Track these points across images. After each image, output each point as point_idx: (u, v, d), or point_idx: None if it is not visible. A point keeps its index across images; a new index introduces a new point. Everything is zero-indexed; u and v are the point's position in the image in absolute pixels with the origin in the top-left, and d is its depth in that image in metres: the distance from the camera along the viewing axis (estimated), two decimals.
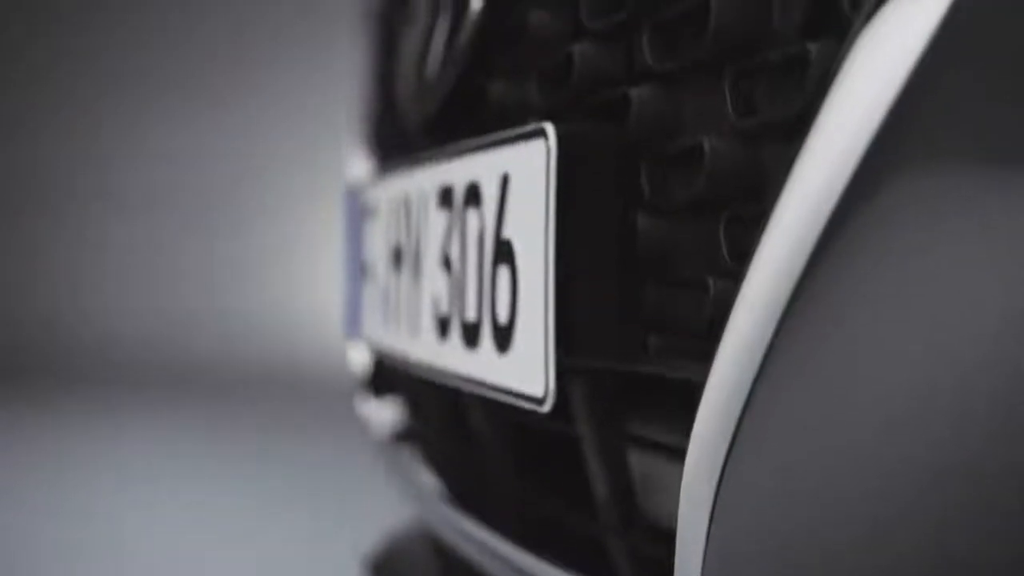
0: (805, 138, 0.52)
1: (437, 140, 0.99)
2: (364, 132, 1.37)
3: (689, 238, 0.67)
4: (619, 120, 0.70)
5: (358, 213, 1.23)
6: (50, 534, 2.78)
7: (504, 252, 0.76)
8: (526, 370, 0.73)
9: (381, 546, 1.46)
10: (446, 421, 1.07)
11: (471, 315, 0.82)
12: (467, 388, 0.83)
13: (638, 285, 0.70)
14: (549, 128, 0.70)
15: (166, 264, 6.40)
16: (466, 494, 1.06)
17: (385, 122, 1.28)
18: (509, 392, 0.75)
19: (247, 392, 5.14)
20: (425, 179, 0.94)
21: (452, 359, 0.86)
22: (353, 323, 1.25)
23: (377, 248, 1.12)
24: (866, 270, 0.49)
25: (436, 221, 0.91)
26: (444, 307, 0.88)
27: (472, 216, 0.82)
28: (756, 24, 0.60)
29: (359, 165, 1.36)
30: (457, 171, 0.86)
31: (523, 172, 0.73)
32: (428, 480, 1.15)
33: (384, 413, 1.37)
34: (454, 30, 0.93)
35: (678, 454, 0.62)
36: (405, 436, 1.31)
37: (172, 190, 6.46)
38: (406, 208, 1.00)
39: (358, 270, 1.22)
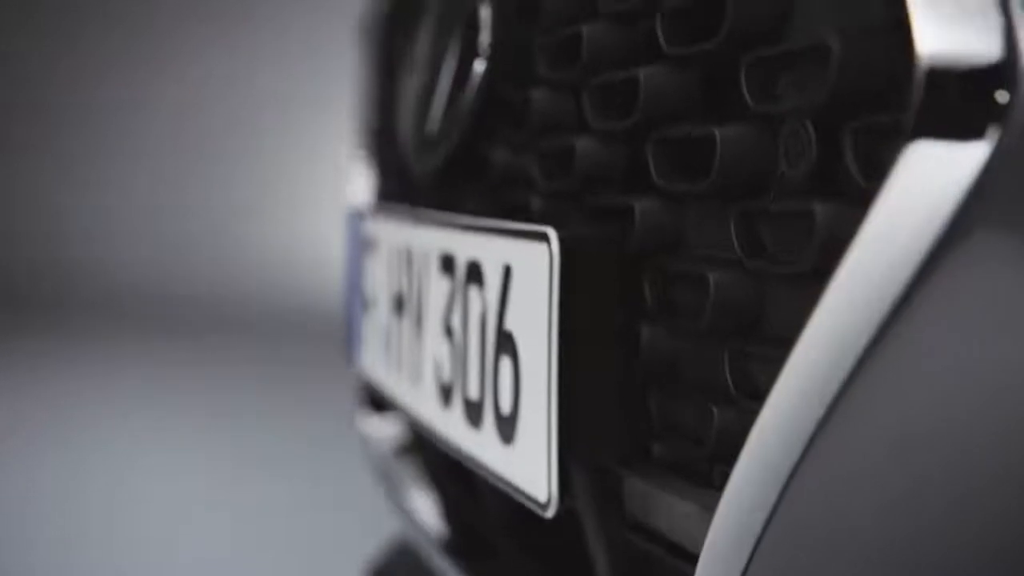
0: (818, 286, 0.52)
1: (439, 195, 0.99)
2: (365, 151, 1.36)
3: (693, 360, 0.67)
4: (622, 225, 0.70)
5: (359, 236, 1.23)
6: (46, 470, 2.80)
7: (506, 343, 0.76)
8: (530, 468, 0.73)
9: (382, 553, 1.48)
10: (445, 469, 1.08)
11: (473, 393, 0.83)
12: (470, 466, 0.84)
13: (641, 393, 0.70)
14: (551, 233, 0.70)
15: (168, 202, 6.39)
16: (458, 542, 1.07)
17: (387, 149, 1.27)
18: (513, 487, 0.75)
19: (247, 329, 5.16)
20: (427, 238, 0.94)
21: (455, 432, 0.87)
22: (354, 349, 1.26)
23: (378, 284, 1.12)
24: (889, 420, 0.49)
25: (438, 285, 0.91)
26: (446, 375, 0.89)
27: (474, 295, 0.82)
28: (762, 167, 0.59)
29: (361, 185, 1.36)
30: (459, 244, 0.85)
31: (525, 270, 0.73)
32: (420, 507, 1.16)
33: (384, 429, 1.37)
34: (456, 88, 0.92)
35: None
36: (404, 452, 1.32)
37: (175, 127, 6.44)
38: (408, 260, 0.99)
39: (358, 296, 1.22)
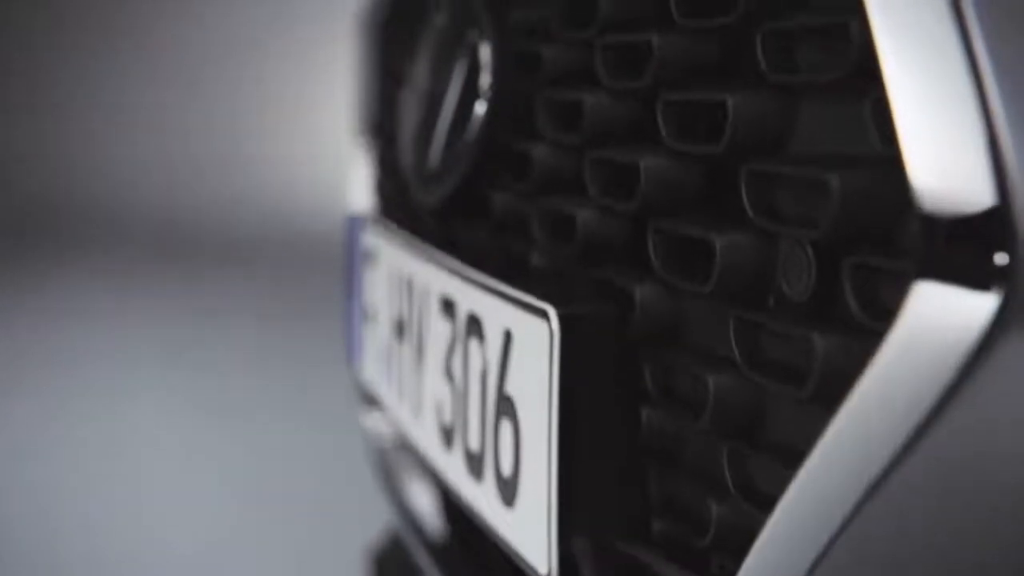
0: (819, 407, 0.53)
1: (439, 229, 0.99)
2: (365, 141, 1.35)
3: (692, 450, 0.68)
4: (623, 304, 0.70)
5: (358, 243, 1.23)
6: (43, 406, 2.84)
7: (506, 406, 0.77)
8: (530, 537, 0.74)
9: (385, 539, 1.50)
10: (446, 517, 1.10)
11: (474, 445, 0.84)
12: (472, 517, 0.85)
13: (642, 472, 0.71)
14: (552, 312, 0.70)
15: (169, 121, 6.37)
16: (451, 539, 1.09)
17: (387, 146, 1.27)
18: (514, 552, 0.77)
19: (249, 254, 5.17)
20: (428, 275, 0.94)
21: (456, 476, 0.88)
22: (354, 349, 1.27)
23: (379, 299, 1.12)
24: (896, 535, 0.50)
25: (438, 326, 0.91)
26: (447, 417, 0.90)
27: (474, 348, 0.83)
28: (762, 279, 0.60)
29: (361, 184, 1.35)
30: (460, 292, 0.86)
31: (525, 341, 0.74)
32: (415, 502, 1.18)
33: (383, 425, 1.39)
34: (457, 128, 0.92)
35: None
36: (402, 448, 1.33)
37: (176, 52, 6.39)
38: (408, 290, 1.00)
39: (358, 301, 1.23)
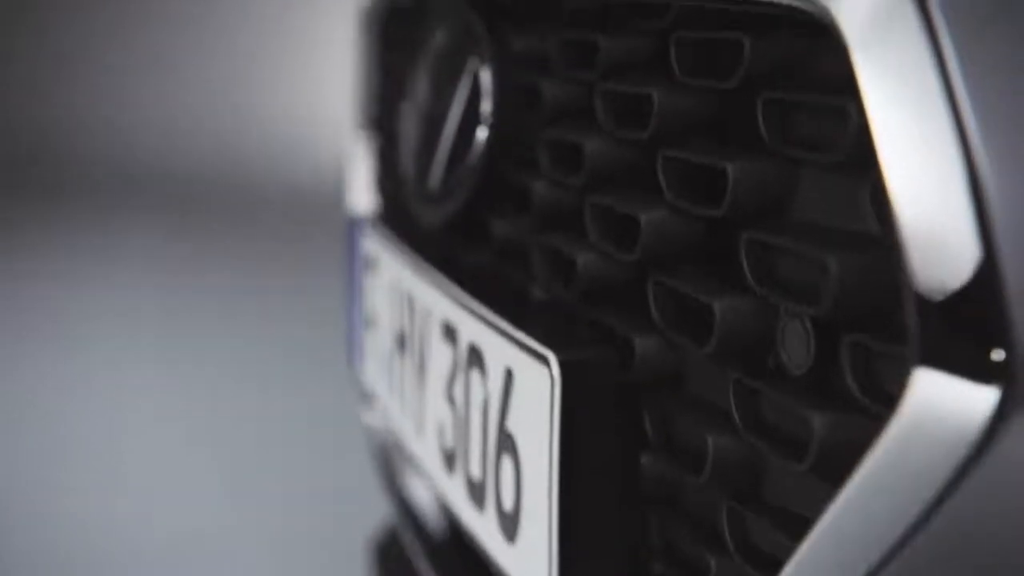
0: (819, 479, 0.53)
1: (440, 248, 0.99)
2: (367, 148, 1.35)
3: (692, 503, 0.68)
4: (624, 350, 0.71)
5: (359, 247, 1.23)
6: (41, 358, 2.85)
7: (507, 442, 0.78)
8: (531, 573, 0.75)
9: (387, 529, 1.52)
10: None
11: (476, 474, 0.85)
12: (474, 546, 0.86)
13: (642, 515, 0.72)
14: (552, 358, 0.71)
15: (170, 73, 6.33)
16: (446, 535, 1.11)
17: (388, 154, 1.26)
18: None
19: (248, 203, 5.17)
20: (429, 297, 0.94)
21: (458, 503, 0.89)
22: (355, 350, 1.27)
23: (380, 308, 1.13)
24: None
25: (440, 350, 0.92)
26: (449, 441, 0.90)
27: (476, 379, 0.84)
28: (761, 346, 0.60)
29: (362, 187, 1.35)
30: (461, 321, 0.86)
31: (526, 383, 0.74)
32: (414, 504, 1.20)
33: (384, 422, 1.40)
34: (458, 151, 0.92)
35: None
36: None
37: None
38: (410, 307, 1.00)
39: (358, 306, 1.23)
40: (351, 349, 1.30)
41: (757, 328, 0.60)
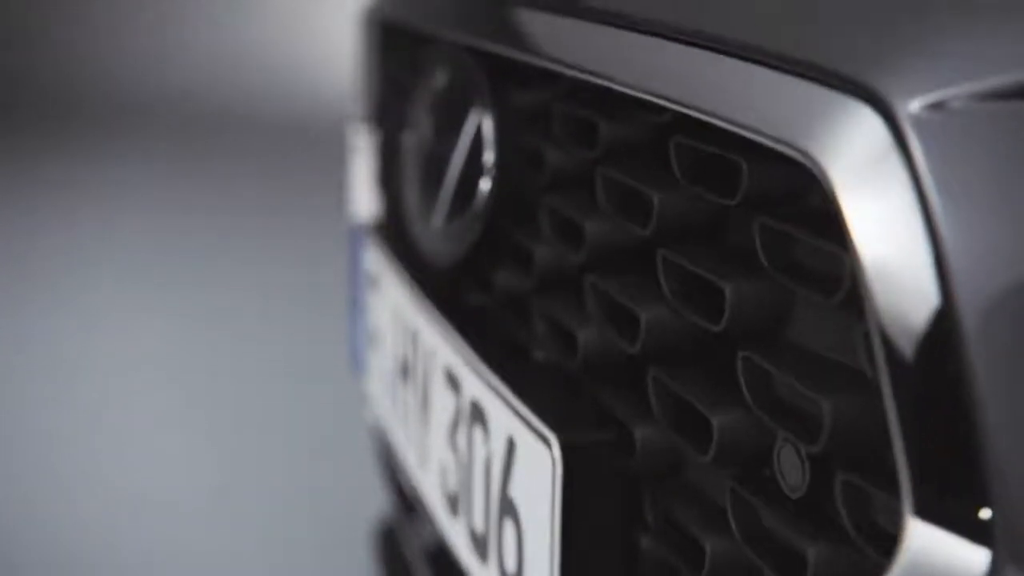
0: None
1: (445, 282, 1.00)
2: (368, 142, 1.35)
3: None
4: (624, 434, 0.72)
5: (362, 258, 1.24)
6: (40, 295, 2.87)
7: (509, 507, 0.80)
8: None
9: (389, 519, 1.55)
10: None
11: (479, 527, 0.86)
12: None
13: None
14: (554, 440, 0.72)
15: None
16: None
17: (388, 152, 1.26)
18: None
19: (248, 132, 5.15)
20: (432, 339, 0.95)
21: (461, 548, 0.91)
22: (359, 358, 1.29)
23: (383, 326, 1.14)
24: None
25: (443, 395, 0.93)
26: (452, 485, 0.92)
27: (478, 437, 0.85)
28: (758, 464, 0.61)
29: (364, 192, 1.35)
30: (464, 374, 0.87)
31: (528, 457, 0.76)
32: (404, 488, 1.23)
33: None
34: (460, 199, 0.92)
35: None
36: None
37: None
38: (413, 341, 1.01)
39: (361, 316, 1.25)
40: (354, 355, 1.32)
41: (755, 443, 0.61)
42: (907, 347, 0.49)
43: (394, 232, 1.19)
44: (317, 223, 3.63)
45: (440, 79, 0.98)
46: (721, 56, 0.58)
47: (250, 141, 5.10)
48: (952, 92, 0.47)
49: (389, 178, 1.30)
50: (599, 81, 0.67)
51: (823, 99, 0.52)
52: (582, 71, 0.69)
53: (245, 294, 2.96)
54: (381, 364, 1.16)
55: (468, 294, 0.97)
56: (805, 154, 0.51)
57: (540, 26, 0.76)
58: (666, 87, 0.62)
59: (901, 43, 0.50)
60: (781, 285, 0.60)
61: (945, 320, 0.48)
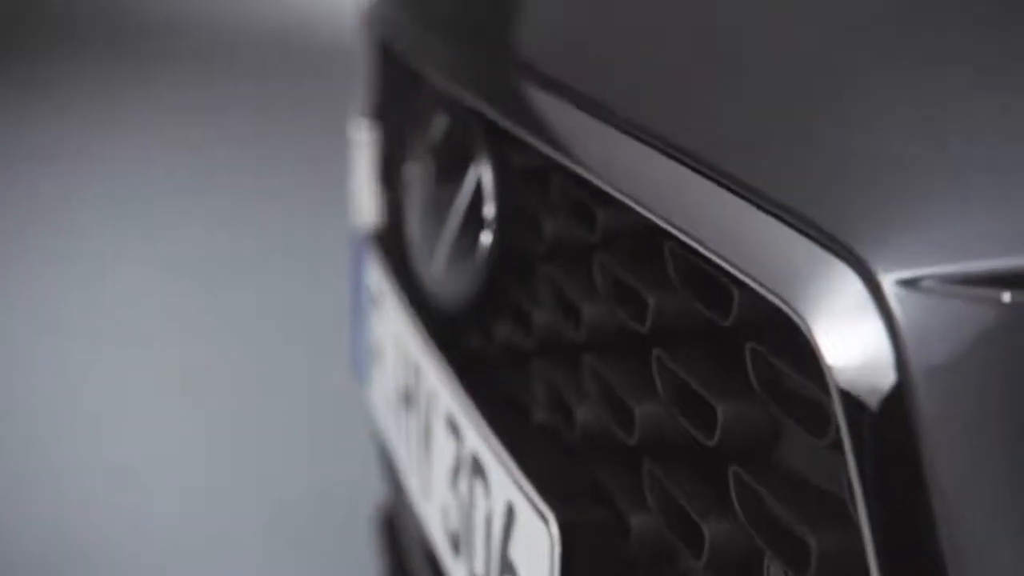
0: None
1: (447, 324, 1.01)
2: (370, 138, 1.35)
3: None
4: (622, 513, 0.74)
5: (364, 273, 1.25)
6: (39, 217, 2.89)
7: (509, 568, 0.82)
8: None
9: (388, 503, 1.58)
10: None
11: (479, 570, 0.89)
12: None
13: None
14: (552, 519, 0.74)
15: None
16: None
17: (390, 150, 1.27)
18: None
19: (248, 57, 5.12)
20: (433, 380, 0.97)
21: None
22: (360, 367, 1.31)
23: (385, 344, 1.16)
24: None
25: (444, 441, 0.95)
26: (454, 525, 0.95)
27: (479, 490, 0.87)
28: (749, 571, 0.64)
29: (367, 205, 1.36)
30: (465, 425, 0.89)
31: (527, 527, 0.78)
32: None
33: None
34: (461, 250, 0.93)
35: None
36: None
37: None
38: (415, 373, 1.03)
39: (362, 315, 1.26)
40: (356, 362, 1.34)
41: (746, 552, 0.63)
42: (886, 505, 0.50)
43: (396, 246, 1.20)
44: (318, 127, 3.62)
45: (439, 124, 0.98)
46: (721, 189, 0.59)
47: (251, 55, 5.06)
48: (930, 271, 0.49)
49: (391, 183, 1.30)
50: (598, 182, 0.68)
51: (812, 256, 0.53)
52: (582, 167, 0.70)
53: (245, 202, 2.96)
54: (383, 381, 1.18)
55: (470, 337, 0.98)
56: (789, 304, 0.53)
57: (537, 104, 0.77)
58: (658, 204, 0.62)
59: (893, 217, 0.51)
60: (772, 410, 0.61)
61: (920, 476, 0.49)
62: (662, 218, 0.62)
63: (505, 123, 0.80)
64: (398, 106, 1.34)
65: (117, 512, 1.97)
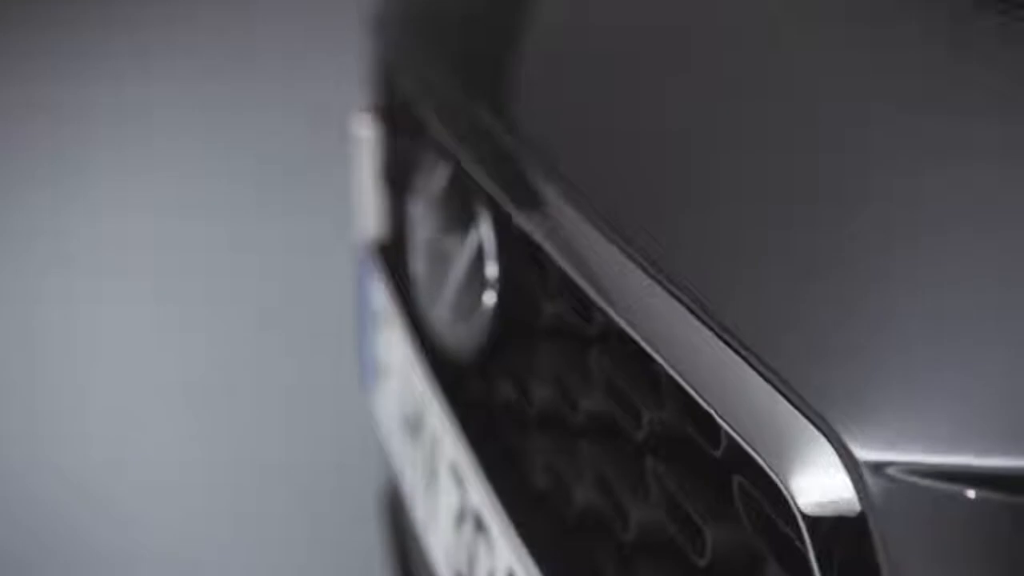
0: None
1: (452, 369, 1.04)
2: (372, 135, 1.35)
3: None
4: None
5: (368, 280, 1.27)
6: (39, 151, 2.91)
7: None
8: None
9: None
10: None
11: None
12: None
13: None
14: None
15: None
16: None
17: (392, 149, 1.28)
18: None
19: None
20: (437, 421, 1.00)
21: None
22: (367, 376, 1.34)
23: (392, 362, 1.18)
24: None
25: (449, 488, 0.99)
26: (458, 566, 0.99)
27: (482, 547, 0.91)
28: None
29: (374, 219, 1.37)
30: (468, 479, 0.93)
31: None
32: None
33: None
34: (464, 307, 0.95)
35: None
36: None
37: None
38: (421, 406, 1.06)
39: (368, 329, 1.29)
40: (364, 370, 1.36)
41: None
42: None
43: (400, 264, 1.22)
44: (319, 59, 3.60)
45: (441, 175, 1.00)
46: (720, 341, 0.61)
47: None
48: (905, 459, 0.51)
49: (397, 186, 1.31)
50: (596, 299, 0.70)
51: (795, 427, 0.56)
52: (584, 281, 0.72)
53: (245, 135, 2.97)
54: (389, 398, 1.21)
55: (474, 384, 1.01)
56: (770, 467, 0.56)
57: (543, 203, 0.78)
58: (655, 338, 0.65)
59: (879, 404, 0.53)
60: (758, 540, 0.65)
61: None
62: (656, 351, 0.64)
63: (505, 206, 0.81)
64: (401, 108, 1.34)
65: (116, 509, 2.02)
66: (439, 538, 1.04)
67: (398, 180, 1.30)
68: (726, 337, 0.60)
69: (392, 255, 1.27)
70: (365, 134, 1.39)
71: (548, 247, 0.75)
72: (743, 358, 0.59)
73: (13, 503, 1.94)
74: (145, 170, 3.04)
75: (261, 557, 1.87)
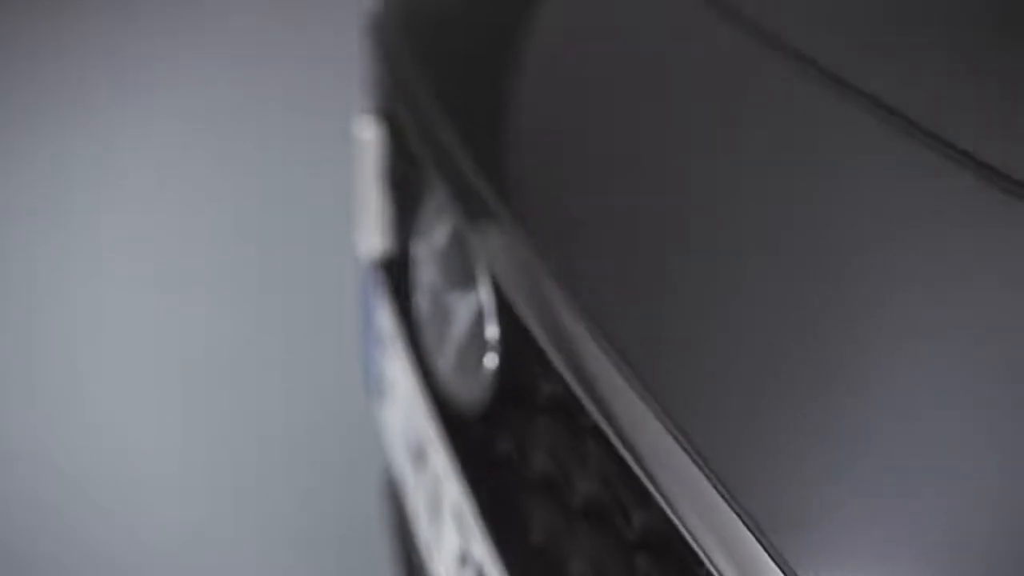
0: None
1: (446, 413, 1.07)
2: (375, 137, 1.36)
3: None
4: None
5: (372, 298, 1.30)
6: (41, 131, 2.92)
7: None
8: None
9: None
10: None
11: None
12: None
13: None
14: None
15: None
16: None
17: (395, 150, 1.30)
18: None
19: None
20: (441, 463, 1.04)
21: None
22: (372, 387, 1.37)
23: (396, 380, 1.21)
24: None
25: (450, 528, 1.03)
26: None
27: None
28: None
29: (377, 228, 1.38)
30: (469, 524, 0.97)
31: None
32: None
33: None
34: (466, 362, 0.98)
35: None
36: None
37: None
38: (424, 439, 1.10)
39: (372, 343, 1.32)
40: (367, 380, 1.39)
41: None
42: None
43: (404, 282, 1.24)
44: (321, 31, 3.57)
45: (443, 228, 1.02)
46: (711, 487, 0.64)
47: None
48: None
49: (401, 192, 1.31)
50: (582, 399, 0.73)
51: (757, 558, 0.59)
52: (575, 384, 0.75)
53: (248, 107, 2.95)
54: (393, 417, 1.25)
55: (476, 431, 1.04)
56: None
57: (542, 294, 0.81)
58: (651, 466, 0.68)
59: (825, 542, 0.57)
60: None
61: None
62: (646, 480, 0.67)
63: (503, 283, 0.83)
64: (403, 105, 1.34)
65: (116, 509, 2.05)
66: (442, 566, 1.08)
67: (402, 185, 1.31)
68: (721, 487, 0.63)
69: (396, 273, 1.29)
70: (368, 136, 1.40)
71: (543, 344, 0.78)
72: (734, 509, 0.62)
73: (13, 503, 1.98)
74: (145, 168, 3.04)
75: (261, 557, 1.91)
